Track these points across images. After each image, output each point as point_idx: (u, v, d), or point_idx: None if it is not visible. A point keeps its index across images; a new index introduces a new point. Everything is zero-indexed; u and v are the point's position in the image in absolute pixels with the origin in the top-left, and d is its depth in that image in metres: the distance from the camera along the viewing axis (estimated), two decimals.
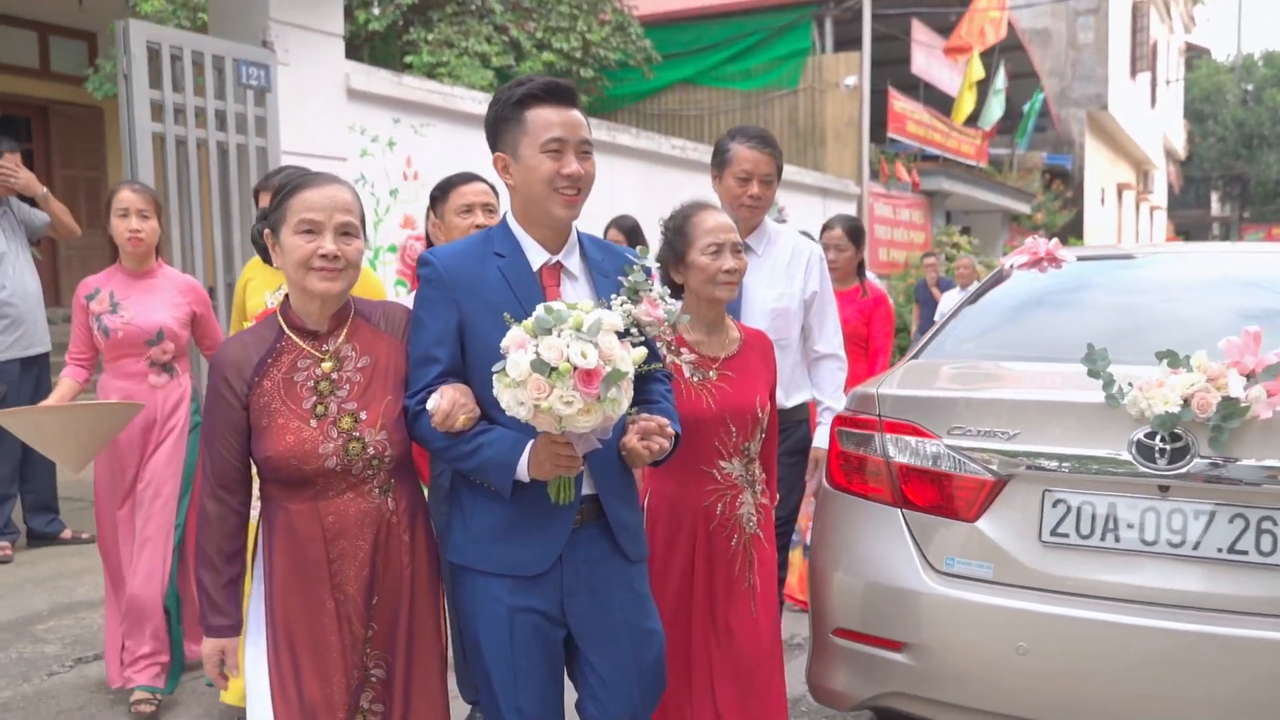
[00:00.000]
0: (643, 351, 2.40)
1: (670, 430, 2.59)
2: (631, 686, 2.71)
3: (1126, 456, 2.82)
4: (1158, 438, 2.79)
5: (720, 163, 3.91)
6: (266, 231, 2.70)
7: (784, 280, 3.90)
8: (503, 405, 2.34)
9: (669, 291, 2.70)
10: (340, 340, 2.62)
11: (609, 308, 2.52)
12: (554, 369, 2.27)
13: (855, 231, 5.56)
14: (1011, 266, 3.96)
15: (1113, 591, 2.83)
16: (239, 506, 2.60)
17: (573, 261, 2.70)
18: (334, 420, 2.55)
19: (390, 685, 2.66)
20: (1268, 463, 2.73)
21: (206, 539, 2.58)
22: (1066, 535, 2.89)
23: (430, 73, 9.85)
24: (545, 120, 2.58)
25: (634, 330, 2.54)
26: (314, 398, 2.56)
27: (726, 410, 3.17)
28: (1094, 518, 2.87)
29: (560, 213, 2.61)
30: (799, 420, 3.98)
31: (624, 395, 2.36)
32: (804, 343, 4.00)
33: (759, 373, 3.29)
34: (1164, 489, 2.81)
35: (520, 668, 2.63)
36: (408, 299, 3.01)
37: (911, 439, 3.12)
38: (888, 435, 3.17)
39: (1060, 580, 2.87)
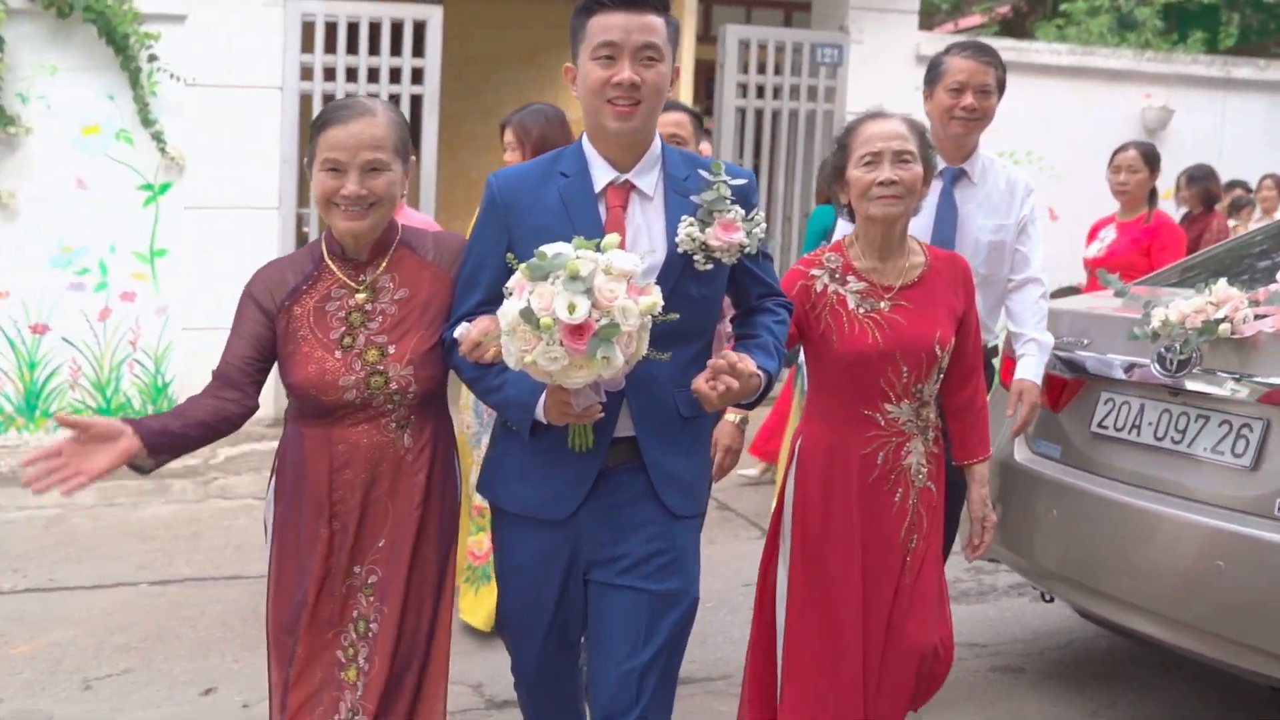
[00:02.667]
0: (652, 300, 2.20)
1: (746, 368, 2.38)
2: (634, 643, 2.53)
3: (1151, 365, 3.48)
4: (1169, 349, 3.41)
5: (932, 78, 3.65)
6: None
7: (1002, 211, 3.66)
8: (502, 353, 2.29)
9: (759, 213, 2.53)
10: (379, 271, 2.59)
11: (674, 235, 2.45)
12: (539, 320, 2.15)
13: (1151, 154, 5.68)
14: None
15: (1127, 476, 3.52)
16: (229, 400, 2.57)
17: (647, 180, 2.51)
18: (360, 353, 2.53)
19: (383, 641, 2.58)
20: (1255, 378, 3.25)
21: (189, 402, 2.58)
22: (1107, 428, 3.62)
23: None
24: (602, 25, 2.42)
25: (699, 258, 2.45)
26: (343, 328, 2.55)
27: (897, 346, 2.91)
28: (1128, 415, 3.57)
29: (612, 125, 2.44)
30: (990, 361, 3.77)
31: (618, 353, 2.17)
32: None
33: (944, 303, 3.00)
34: (1174, 394, 3.42)
35: (536, 607, 2.60)
36: None
37: None
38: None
39: (1094, 464, 3.63)
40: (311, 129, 2.53)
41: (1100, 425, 3.65)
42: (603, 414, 2.37)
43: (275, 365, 2.60)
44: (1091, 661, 4.31)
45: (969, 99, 3.55)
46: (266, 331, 2.55)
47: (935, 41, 8.40)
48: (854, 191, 2.92)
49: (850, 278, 2.97)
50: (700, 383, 2.36)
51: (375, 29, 7.24)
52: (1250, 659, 3.14)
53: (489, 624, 4.11)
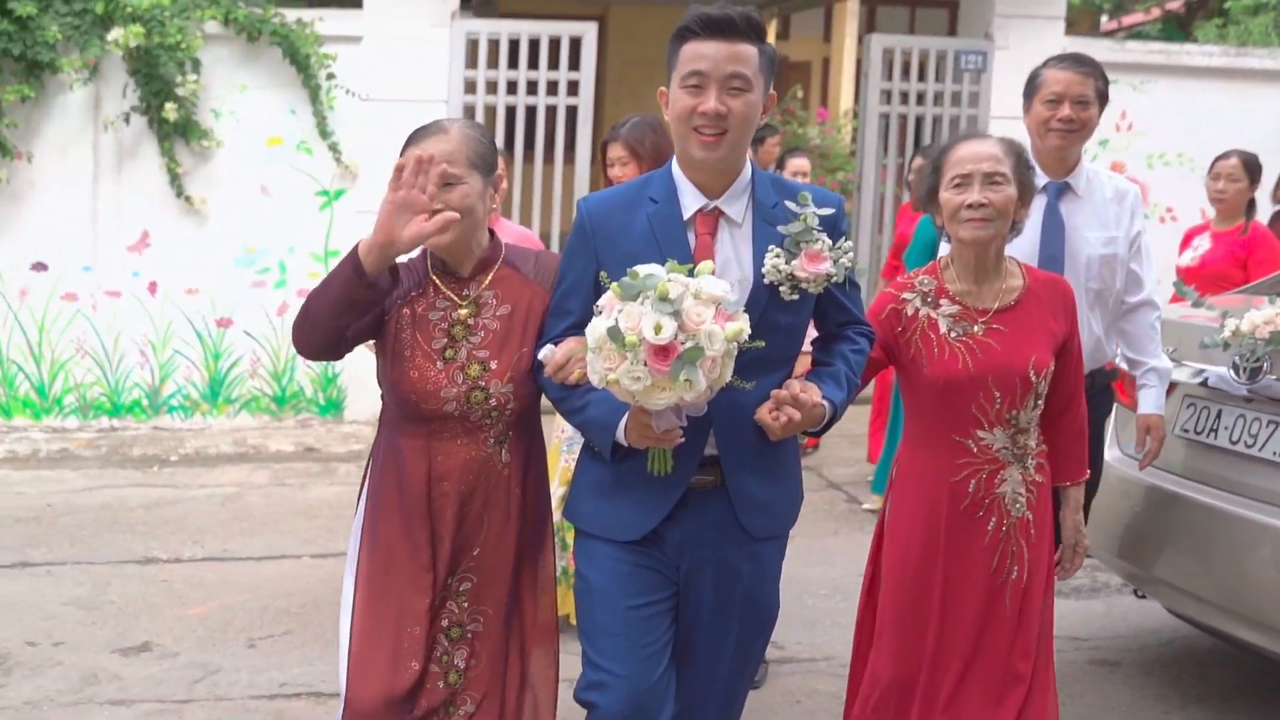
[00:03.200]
0: (739, 326, 2.22)
1: (808, 399, 2.40)
2: (724, 663, 2.61)
3: (1226, 372, 3.61)
4: (1243, 358, 3.54)
5: (1029, 91, 3.59)
6: None
7: (1112, 223, 3.56)
8: (587, 371, 2.31)
9: (848, 245, 2.50)
10: (483, 286, 2.64)
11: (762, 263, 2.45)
12: (625, 339, 2.17)
13: (1252, 164, 5.59)
14: None
15: (1203, 477, 3.66)
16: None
17: (735, 208, 2.51)
18: (462, 366, 2.57)
19: (487, 640, 2.63)
20: None
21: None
22: (1188, 431, 3.75)
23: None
24: (693, 53, 2.43)
25: (786, 288, 2.44)
26: (445, 340, 2.59)
27: (989, 371, 2.85)
28: (1206, 419, 3.70)
29: (698, 154, 2.45)
30: (1108, 385, 3.73)
31: (701, 376, 2.18)
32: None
33: (1042, 327, 2.93)
34: (1248, 400, 3.55)
35: (630, 624, 2.52)
36: None
37: None
38: None
39: (1174, 464, 3.75)
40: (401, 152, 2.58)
41: (1182, 429, 3.77)
42: (683, 439, 2.37)
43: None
44: (1189, 660, 4.40)
45: (1066, 110, 3.46)
46: (376, 300, 2.53)
47: (1082, 46, 8.36)
48: (945, 213, 2.89)
49: (944, 301, 2.91)
50: (764, 413, 2.39)
51: (534, 45, 7.67)
52: (1261, 636, 3.31)
53: None
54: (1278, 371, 3.48)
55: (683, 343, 2.15)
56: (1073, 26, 13.48)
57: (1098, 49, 8.47)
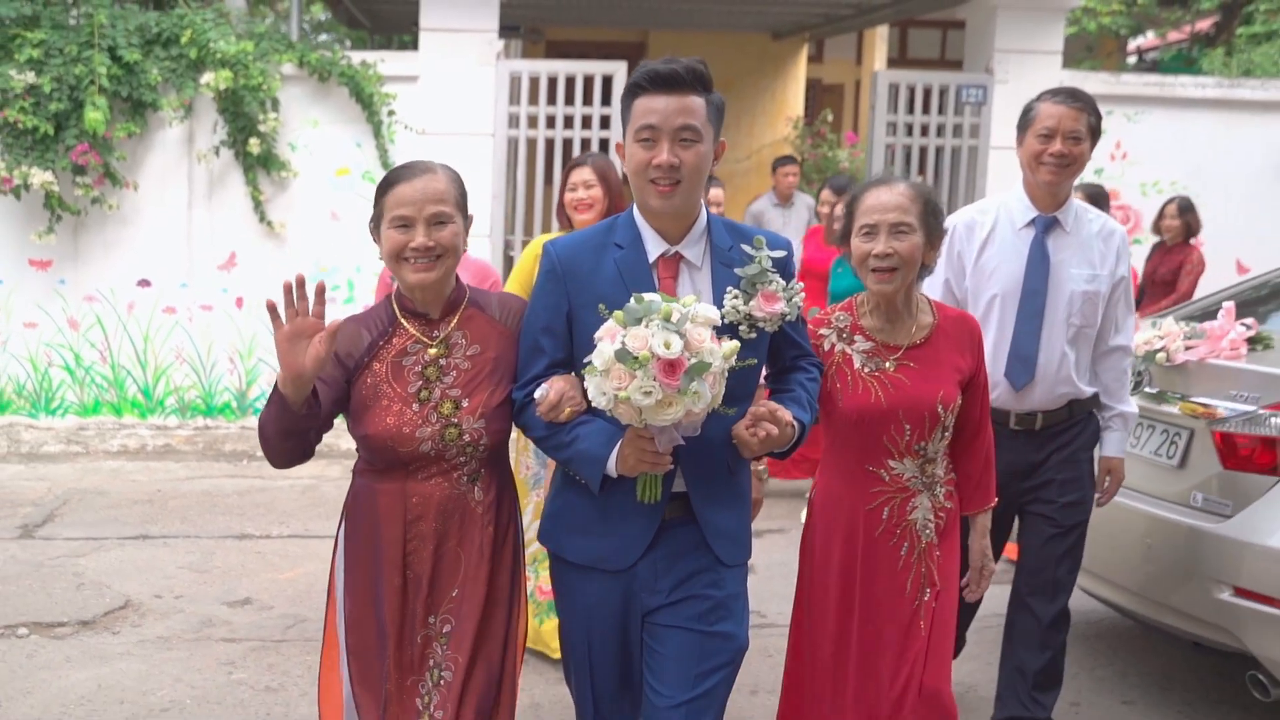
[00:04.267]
0: (734, 345, 2.37)
1: (784, 417, 2.53)
2: (686, 680, 2.62)
3: None
4: (1138, 372, 4.30)
5: (1023, 124, 3.62)
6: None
7: (1097, 261, 3.61)
8: (589, 396, 2.39)
9: (798, 285, 2.59)
10: (451, 327, 2.66)
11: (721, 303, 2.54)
12: (636, 358, 2.27)
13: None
14: None
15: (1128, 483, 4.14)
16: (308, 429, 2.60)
17: (695, 251, 2.61)
18: (436, 405, 2.59)
19: (470, 684, 2.63)
20: (1183, 396, 4.15)
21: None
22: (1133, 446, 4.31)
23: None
24: (644, 108, 2.52)
25: (744, 327, 2.54)
26: (420, 382, 2.60)
27: (900, 405, 2.94)
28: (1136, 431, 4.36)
29: (655, 203, 2.54)
30: (1090, 412, 3.75)
31: (707, 389, 2.31)
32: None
33: (949, 363, 3.02)
34: (1145, 409, 4.33)
35: (595, 651, 2.69)
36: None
37: None
38: None
39: None
40: (377, 192, 2.64)
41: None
42: (672, 466, 2.50)
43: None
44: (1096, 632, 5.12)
45: (1058, 145, 3.49)
46: (340, 381, 2.62)
47: (1077, 80, 9.10)
48: (855, 259, 2.97)
49: (858, 337, 3.01)
50: (741, 429, 2.52)
51: (570, 83, 8.57)
52: (1171, 617, 4.02)
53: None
54: (1159, 383, 4.26)
55: (689, 358, 2.30)
56: (1092, 52, 14.12)
57: (1093, 82, 9.21)
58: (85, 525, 6.24)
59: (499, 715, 2.69)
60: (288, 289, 2.43)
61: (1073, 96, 3.56)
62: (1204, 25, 15.26)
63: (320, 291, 2.46)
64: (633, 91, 2.56)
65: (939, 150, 8.94)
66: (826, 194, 6.82)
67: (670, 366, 2.29)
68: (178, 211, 8.18)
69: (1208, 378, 4.04)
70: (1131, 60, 16.38)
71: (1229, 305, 4.13)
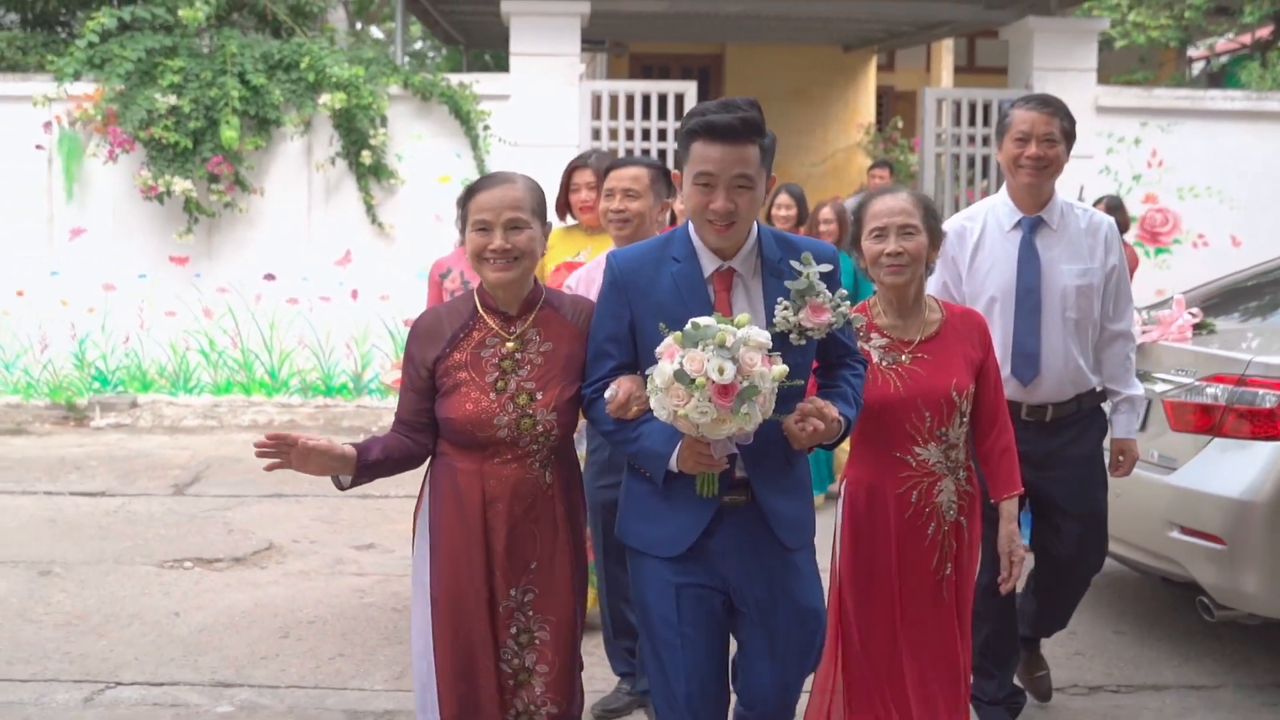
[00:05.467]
0: (783, 369, 2.50)
1: (830, 413, 2.68)
2: (784, 656, 2.83)
3: None
4: None
5: (1000, 130, 3.76)
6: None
7: (1086, 255, 3.73)
8: (651, 407, 2.54)
9: (845, 295, 2.73)
10: (527, 324, 2.85)
11: (772, 314, 2.68)
12: (692, 380, 2.41)
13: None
14: None
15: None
16: (417, 443, 2.89)
17: (747, 266, 2.76)
18: (512, 396, 2.78)
19: (557, 648, 2.87)
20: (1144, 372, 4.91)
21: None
22: None
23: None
24: (701, 155, 2.65)
25: (795, 335, 2.67)
26: (497, 373, 2.79)
27: (918, 394, 3.16)
28: None
29: (712, 240, 2.72)
30: (1099, 405, 3.90)
31: (757, 410, 2.47)
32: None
33: (960, 354, 3.23)
34: None
35: (686, 635, 2.79)
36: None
37: None
38: None
39: None
40: (461, 200, 2.91)
41: None
42: (727, 466, 2.70)
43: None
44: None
45: (1033, 148, 3.63)
46: (428, 381, 2.86)
47: (1112, 94, 9.85)
48: (867, 259, 3.20)
49: (874, 334, 3.22)
50: (790, 424, 2.65)
51: (646, 100, 9.50)
52: (1139, 555, 4.71)
53: None
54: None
55: (741, 383, 2.45)
56: (1145, 63, 14.65)
57: (1127, 96, 9.98)
58: (227, 485, 7.32)
59: (574, 673, 2.96)
60: (265, 447, 2.75)
61: (1045, 103, 3.72)
62: (1264, 33, 15.66)
63: (277, 437, 2.76)
64: (691, 136, 2.70)
65: (985, 159, 9.72)
66: (826, 211, 7.28)
67: (724, 390, 2.44)
68: (299, 214, 9.23)
69: (1160, 356, 4.75)
70: (1199, 66, 16.78)
71: (1180, 298, 4.90)
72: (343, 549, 6.11)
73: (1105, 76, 14.67)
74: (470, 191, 2.89)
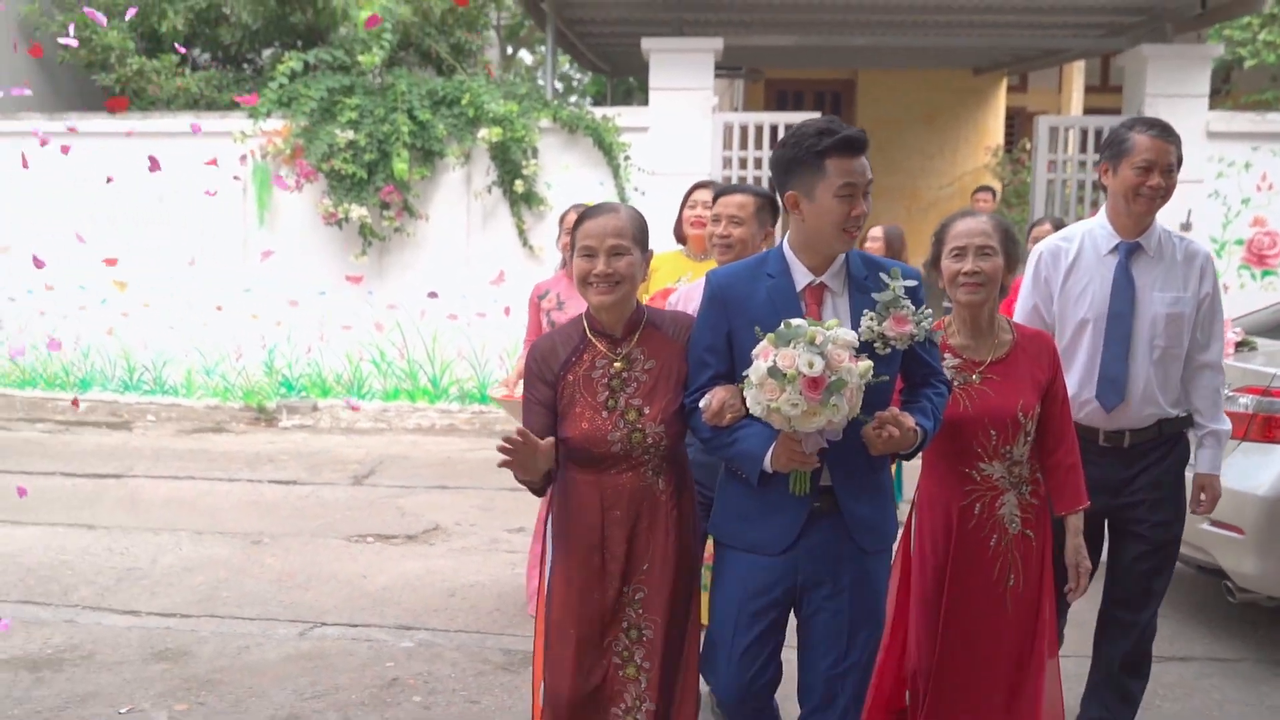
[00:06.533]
0: (868, 365, 2.61)
1: (906, 422, 2.78)
2: (838, 653, 2.94)
3: None
4: None
5: (1116, 153, 3.63)
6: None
7: (1179, 284, 3.67)
8: (747, 404, 2.67)
9: (928, 311, 2.83)
10: (632, 344, 2.97)
11: (858, 325, 2.79)
12: (784, 374, 2.54)
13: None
14: None
15: None
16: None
17: (836, 281, 2.89)
18: (622, 413, 2.91)
19: (665, 645, 2.98)
20: None
21: None
22: None
23: None
24: (843, 168, 2.78)
25: (879, 344, 2.79)
26: (607, 392, 2.92)
27: (985, 414, 3.23)
28: None
29: (840, 246, 2.85)
30: (1181, 432, 3.79)
31: (845, 402, 2.56)
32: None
33: (1029, 375, 3.29)
34: None
35: (743, 624, 2.95)
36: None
37: None
38: None
39: None
40: (573, 226, 3.03)
41: None
42: (819, 464, 2.82)
43: None
44: None
45: (1156, 179, 3.54)
46: (551, 396, 3.01)
47: (1224, 119, 10.23)
48: (945, 278, 3.28)
49: (947, 354, 3.28)
50: (868, 429, 2.77)
51: (775, 130, 10.26)
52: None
53: None
54: None
55: (829, 376, 2.57)
56: (1276, 81, 14.76)
57: (1240, 121, 10.34)
58: (398, 477, 8.36)
59: (685, 666, 3.08)
60: (512, 442, 2.86)
61: (1166, 130, 3.62)
62: None
63: (524, 434, 2.89)
64: (824, 153, 2.81)
65: (1095, 184, 10.21)
66: (876, 231, 7.43)
67: (813, 383, 2.57)
68: (459, 238, 10.24)
69: None
70: None
71: (1227, 318, 5.45)
72: (498, 531, 7.04)
73: (1236, 96, 14.92)
74: (579, 220, 3.03)
